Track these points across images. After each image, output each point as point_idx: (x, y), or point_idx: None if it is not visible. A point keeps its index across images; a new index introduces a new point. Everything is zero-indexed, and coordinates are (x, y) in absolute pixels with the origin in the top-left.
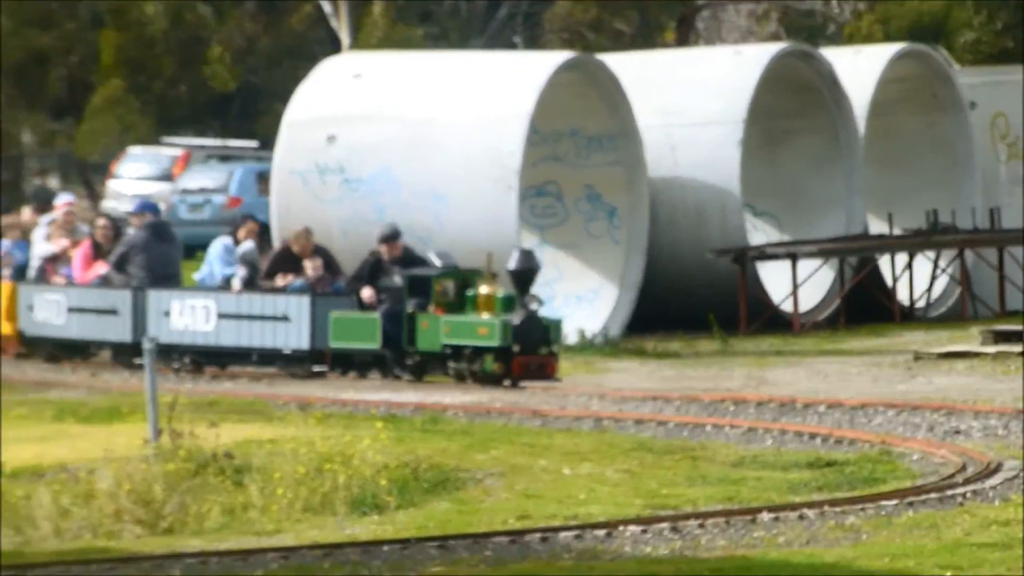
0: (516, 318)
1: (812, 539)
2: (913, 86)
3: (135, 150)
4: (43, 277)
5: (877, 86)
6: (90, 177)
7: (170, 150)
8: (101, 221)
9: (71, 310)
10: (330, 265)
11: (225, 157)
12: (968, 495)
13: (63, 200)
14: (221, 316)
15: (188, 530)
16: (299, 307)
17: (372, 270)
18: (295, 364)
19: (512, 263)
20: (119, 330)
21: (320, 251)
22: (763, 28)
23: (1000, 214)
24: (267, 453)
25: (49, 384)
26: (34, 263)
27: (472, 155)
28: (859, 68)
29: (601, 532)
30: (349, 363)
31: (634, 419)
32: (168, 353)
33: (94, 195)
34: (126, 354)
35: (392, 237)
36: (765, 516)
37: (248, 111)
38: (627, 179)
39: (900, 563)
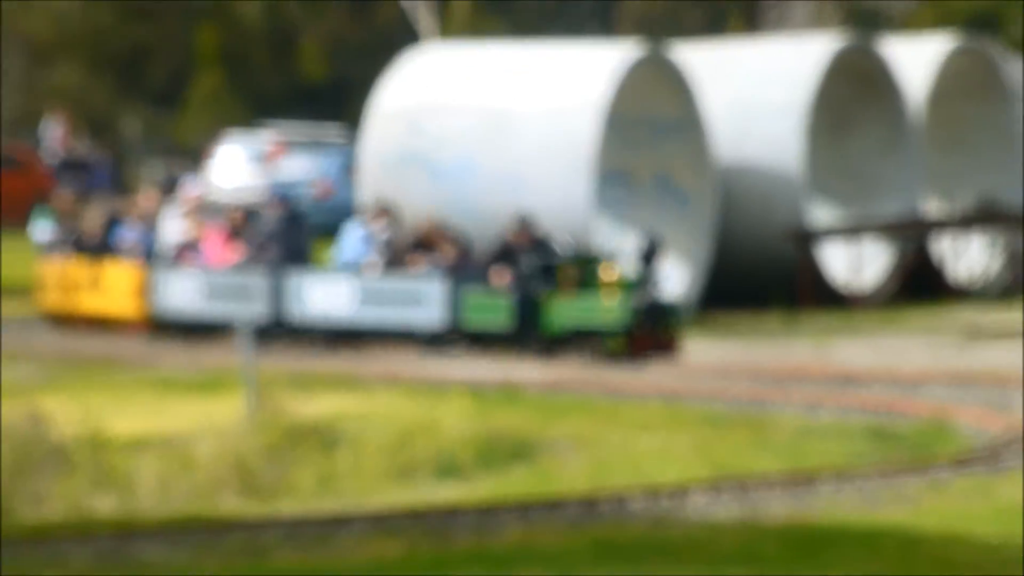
0: (637, 300)
1: (870, 504)
2: (969, 76)
3: (232, 138)
4: (177, 261)
5: (936, 76)
6: (189, 164)
7: (264, 137)
8: (235, 208)
9: (207, 292)
10: (463, 250)
11: (315, 145)
12: (1013, 462)
13: (193, 186)
14: (360, 297)
15: (283, 496)
16: (436, 289)
17: (502, 254)
18: (431, 342)
19: (637, 245)
20: (259, 309)
21: (454, 237)
22: (826, 19)
23: None
24: (358, 424)
25: (151, 359)
26: (164, 247)
27: (550, 143)
28: (919, 58)
29: (671, 498)
30: (482, 341)
31: (703, 393)
32: (307, 332)
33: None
34: (264, 334)
35: (521, 224)
36: (826, 484)
37: (337, 101)
38: (697, 165)
39: (952, 525)
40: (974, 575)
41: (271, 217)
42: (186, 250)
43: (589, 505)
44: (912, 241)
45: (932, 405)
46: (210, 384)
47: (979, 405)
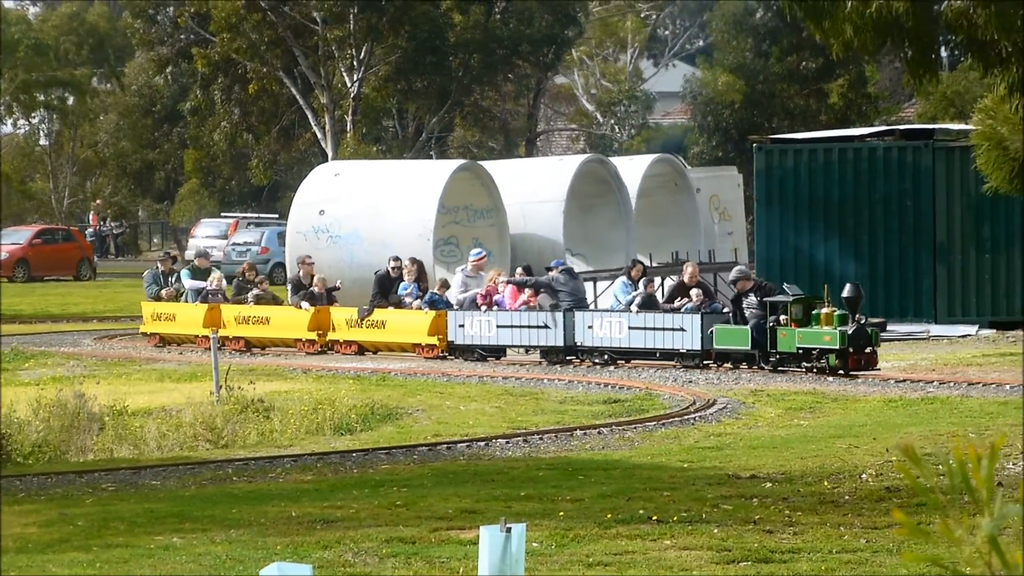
0: (849, 328)
1: (606, 446)
2: (664, 178)
3: (205, 220)
4: (474, 306)
5: (643, 179)
6: (179, 237)
7: (227, 220)
8: (519, 271)
9: (499, 326)
10: (708, 292)
11: (259, 223)
12: (697, 419)
13: (476, 254)
14: (631, 328)
15: (237, 445)
16: (692, 321)
17: (736, 299)
18: (688, 359)
19: (846, 292)
20: (552, 338)
21: (705, 285)
22: (576, 145)
23: (715, 254)
24: (284, 399)
25: (155, 359)
26: (459, 298)
27: (406, 222)
28: (633, 168)
29: (482, 443)
30: (727, 359)
31: (503, 376)
32: (591, 353)
33: (181, 247)
34: (554, 354)
35: (744, 276)
36: (578, 432)
37: (273, 196)
38: (498, 235)
39: (657, 459)
40: (668, 487)
41: (556, 273)
42: (480, 297)
43: (432, 448)
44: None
45: (645, 382)
46: (192, 375)
47: (671, 382)
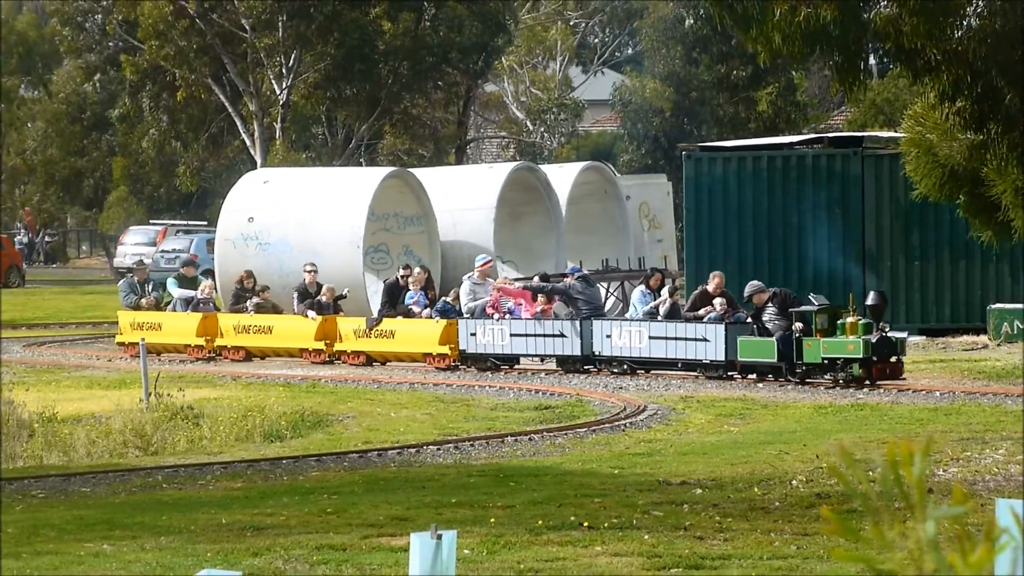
0: (873, 338)
1: (537, 452)
2: (593, 186)
3: (134, 228)
4: (483, 314)
5: (572, 186)
6: (107, 244)
7: (155, 227)
8: (535, 279)
9: (513, 335)
10: (731, 302)
11: (188, 231)
12: (627, 425)
13: (481, 259)
14: (651, 337)
15: (166, 452)
16: (716, 332)
17: (757, 314)
18: (712, 370)
19: (869, 300)
20: (568, 347)
21: (724, 293)
22: (506, 152)
23: (644, 261)
24: (214, 407)
25: (84, 366)
26: (469, 307)
27: (335, 229)
28: (562, 176)
29: (413, 450)
30: (752, 371)
31: (433, 383)
32: (610, 362)
33: (109, 255)
34: (570, 363)
35: (759, 289)
36: (509, 439)
37: (201, 203)
38: (428, 242)
39: (588, 465)
40: (599, 493)
41: (572, 280)
42: (489, 307)
43: (362, 455)
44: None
45: (575, 389)
46: (120, 382)
47: (602, 389)
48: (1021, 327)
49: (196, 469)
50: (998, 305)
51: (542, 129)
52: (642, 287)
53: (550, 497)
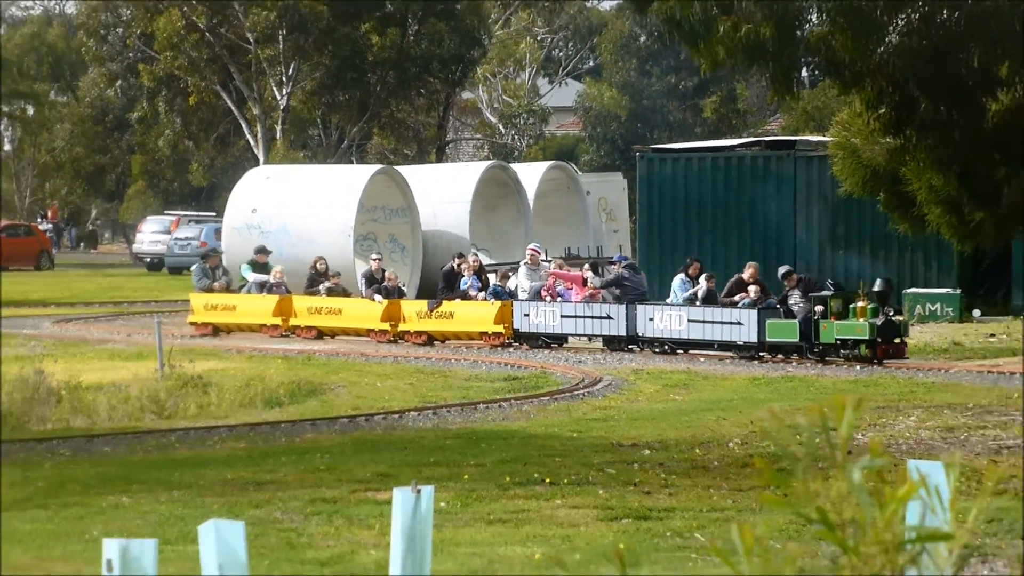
0: (879, 321)
1: (505, 418)
2: (558, 183)
3: (151, 218)
4: (538, 296)
5: (539, 183)
6: (127, 233)
7: (169, 217)
8: (586, 268)
9: (563, 316)
10: (764, 290)
11: (198, 221)
12: (585, 394)
13: (531, 246)
14: (690, 320)
15: (178, 416)
16: (749, 316)
17: (783, 299)
18: (745, 351)
19: (876, 287)
20: (614, 328)
21: (758, 281)
22: (481, 153)
23: (602, 249)
24: (221, 376)
25: (106, 340)
26: (522, 290)
27: (329, 218)
28: (531, 174)
29: (396, 416)
30: (779, 350)
31: (414, 355)
32: (651, 343)
33: (129, 242)
34: (616, 343)
35: (788, 274)
36: (481, 406)
37: (210, 196)
38: (411, 231)
39: (550, 429)
40: (560, 454)
41: (620, 269)
42: (544, 290)
43: (351, 420)
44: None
45: (540, 363)
46: (138, 355)
47: (563, 363)
48: (932, 309)
49: (204, 431)
50: (912, 290)
51: (513, 132)
52: (682, 275)
53: (516, 457)
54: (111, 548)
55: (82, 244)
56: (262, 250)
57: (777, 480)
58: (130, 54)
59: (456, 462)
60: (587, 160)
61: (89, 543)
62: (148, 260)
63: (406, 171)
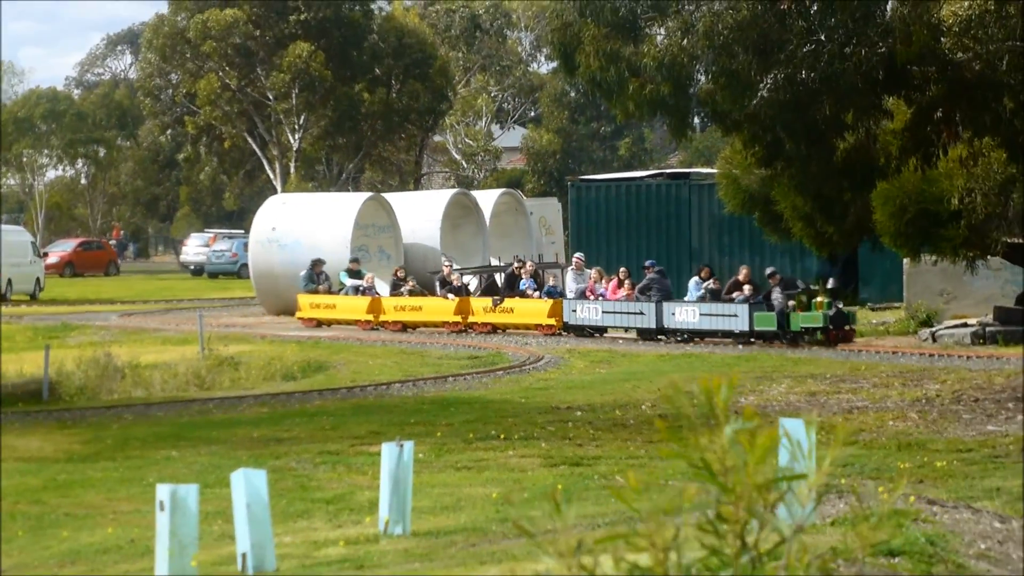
0: (831, 312)
1: (470, 387)
2: (508, 205)
3: (194, 234)
4: (583, 295)
5: (494, 205)
6: (176, 246)
7: (208, 234)
8: (623, 270)
9: (604, 312)
10: (756, 288)
11: (230, 237)
12: (530, 369)
13: (576, 255)
14: (702, 314)
15: (215, 388)
16: (742, 310)
17: (768, 295)
18: (740, 338)
19: (830, 284)
20: (645, 322)
21: (755, 283)
22: (448, 183)
23: (542, 257)
24: (249, 356)
25: (160, 329)
26: (569, 290)
27: (332, 235)
28: (488, 199)
29: (384, 386)
30: (761, 337)
31: (399, 339)
32: (674, 333)
33: (177, 253)
34: (647, 334)
35: (773, 274)
36: (451, 378)
37: (240, 218)
38: (395, 244)
39: (504, 396)
40: (511, 415)
41: (651, 274)
42: (588, 290)
43: (350, 390)
44: (488, 275)
45: (495, 344)
46: (184, 340)
47: (514, 344)
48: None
49: (236, 400)
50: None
51: (472, 167)
52: (696, 278)
53: (478, 418)
54: (163, 491)
55: (140, 255)
56: (356, 259)
57: (674, 436)
58: (178, 109)
59: (431, 422)
60: (530, 188)
61: (146, 487)
62: (192, 268)
63: (391, 197)
